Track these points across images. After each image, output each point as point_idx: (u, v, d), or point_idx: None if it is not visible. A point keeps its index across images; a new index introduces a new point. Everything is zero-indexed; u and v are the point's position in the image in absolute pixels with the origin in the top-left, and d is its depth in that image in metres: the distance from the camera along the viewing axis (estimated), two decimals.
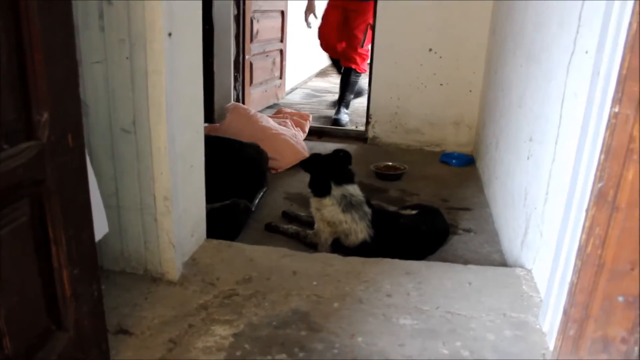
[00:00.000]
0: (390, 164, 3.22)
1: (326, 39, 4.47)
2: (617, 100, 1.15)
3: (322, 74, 7.10)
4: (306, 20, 4.72)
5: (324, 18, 4.47)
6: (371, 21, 4.13)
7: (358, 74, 4.57)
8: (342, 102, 4.57)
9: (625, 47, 1.14)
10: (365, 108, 3.90)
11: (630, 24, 1.12)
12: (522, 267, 1.89)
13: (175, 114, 1.58)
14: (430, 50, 3.60)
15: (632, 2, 1.13)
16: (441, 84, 3.64)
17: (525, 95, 2.21)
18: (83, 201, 1.13)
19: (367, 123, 3.85)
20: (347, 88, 4.56)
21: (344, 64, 4.56)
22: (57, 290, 1.07)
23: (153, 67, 1.48)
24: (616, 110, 1.15)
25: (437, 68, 3.61)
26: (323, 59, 4.64)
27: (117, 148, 1.58)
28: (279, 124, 3.61)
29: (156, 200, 1.61)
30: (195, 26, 1.69)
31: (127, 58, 1.49)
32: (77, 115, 1.07)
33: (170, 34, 1.48)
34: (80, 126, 1.08)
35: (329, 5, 4.46)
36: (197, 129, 1.78)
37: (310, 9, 4.67)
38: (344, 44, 4.45)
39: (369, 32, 4.21)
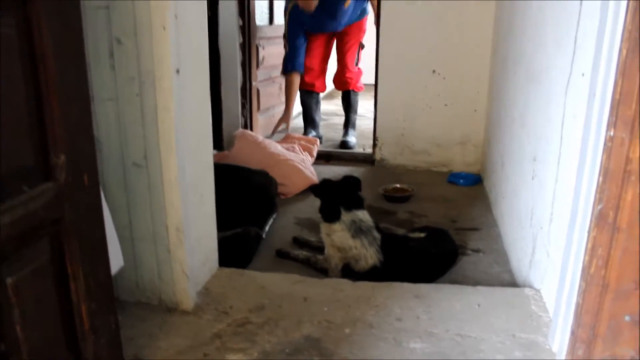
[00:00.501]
0: (398, 186, 3.26)
1: (311, 74, 4.36)
2: (612, 123, 1.18)
3: (328, 96, 7.17)
4: (275, 129, 4.41)
5: (306, 53, 4.26)
6: (362, 38, 4.32)
7: (357, 92, 4.59)
8: (348, 124, 4.61)
9: (617, 72, 1.17)
10: (372, 130, 3.95)
11: (620, 49, 1.15)
12: (530, 286, 1.91)
13: (185, 147, 1.63)
14: (433, 71, 3.65)
15: (622, 27, 1.17)
16: (446, 105, 3.68)
17: (527, 115, 2.25)
18: (99, 237, 1.17)
19: (374, 145, 3.90)
20: (350, 109, 4.59)
21: (340, 89, 4.59)
22: (77, 324, 1.11)
23: (162, 103, 1.53)
24: (611, 133, 1.19)
25: (441, 89, 3.66)
26: (329, 83, 4.65)
27: (130, 181, 1.63)
28: (287, 149, 3.66)
29: (169, 231, 1.65)
30: (202, 61, 1.74)
31: (137, 95, 1.54)
32: (92, 154, 1.12)
33: (178, 71, 1.54)
34: (94, 165, 1.13)
35: (312, 38, 4.26)
36: (206, 159, 1.83)
37: (286, 119, 4.32)
38: (336, 71, 4.49)
39: (360, 50, 4.36)
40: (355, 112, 4.64)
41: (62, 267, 1.06)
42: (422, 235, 2.33)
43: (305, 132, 4.54)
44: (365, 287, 1.88)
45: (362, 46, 4.37)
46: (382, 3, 3.63)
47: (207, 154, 1.84)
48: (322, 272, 2.23)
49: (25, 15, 0.91)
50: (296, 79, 4.16)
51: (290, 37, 4.06)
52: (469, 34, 3.52)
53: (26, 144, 0.94)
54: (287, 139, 4.07)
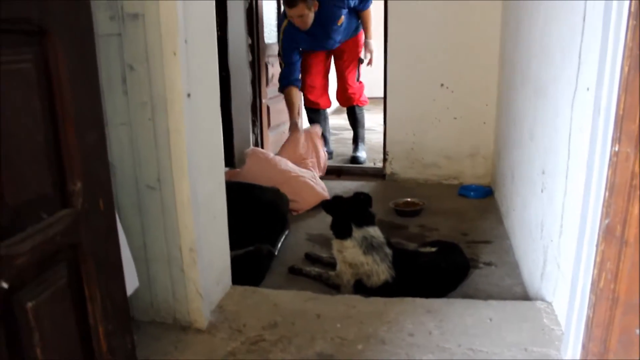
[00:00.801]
0: (409, 200, 3.27)
1: (314, 93, 4.38)
2: (617, 139, 1.20)
3: (338, 111, 7.21)
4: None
5: (306, 71, 4.27)
6: (360, 53, 4.33)
7: (362, 107, 4.58)
8: (357, 139, 4.63)
9: (619, 87, 1.19)
10: (382, 144, 3.97)
11: (622, 66, 1.17)
12: (542, 299, 1.91)
13: (197, 168, 1.66)
14: (442, 85, 3.68)
15: (623, 44, 1.18)
16: (455, 118, 3.70)
17: (535, 128, 2.26)
18: (115, 260, 1.20)
19: (385, 160, 3.92)
20: (358, 124, 4.60)
21: (344, 105, 4.60)
22: (94, 346, 1.13)
23: (174, 127, 1.57)
24: (616, 149, 1.20)
25: (450, 102, 3.68)
26: (332, 98, 4.67)
27: (144, 203, 1.67)
28: (299, 164, 3.69)
29: (182, 252, 1.68)
30: (213, 84, 1.79)
31: (149, 119, 1.58)
32: (107, 180, 1.15)
33: (189, 95, 1.57)
34: (109, 190, 1.16)
35: (310, 56, 4.25)
36: (218, 180, 1.86)
37: (294, 130, 4.12)
38: (337, 89, 4.49)
39: (359, 65, 4.37)
40: (363, 126, 4.66)
41: (79, 290, 1.09)
42: (433, 249, 2.34)
43: None
44: (377, 302, 1.90)
45: (361, 61, 4.37)
46: (389, 18, 3.67)
47: (219, 175, 1.87)
48: (335, 288, 2.25)
49: (42, 49, 0.95)
50: (294, 92, 4.12)
51: (285, 54, 4.05)
52: (476, 48, 3.55)
53: (44, 172, 0.98)
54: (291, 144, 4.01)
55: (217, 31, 3.95)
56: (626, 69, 1.15)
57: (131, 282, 1.43)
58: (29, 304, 0.94)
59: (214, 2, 1.73)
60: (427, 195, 3.44)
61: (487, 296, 2.11)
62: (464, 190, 3.54)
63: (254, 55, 4.14)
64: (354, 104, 4.50)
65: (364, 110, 4.67)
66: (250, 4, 4.04)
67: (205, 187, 1.75)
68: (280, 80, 4.18)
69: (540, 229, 2.05)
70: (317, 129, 4.15)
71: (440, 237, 2.74)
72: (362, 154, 4.53)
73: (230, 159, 4.14)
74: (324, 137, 4.52)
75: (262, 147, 4.31)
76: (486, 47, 3.51)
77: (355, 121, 4.59)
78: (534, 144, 2.27)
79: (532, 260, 2.17)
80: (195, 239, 1.67)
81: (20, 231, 0.92)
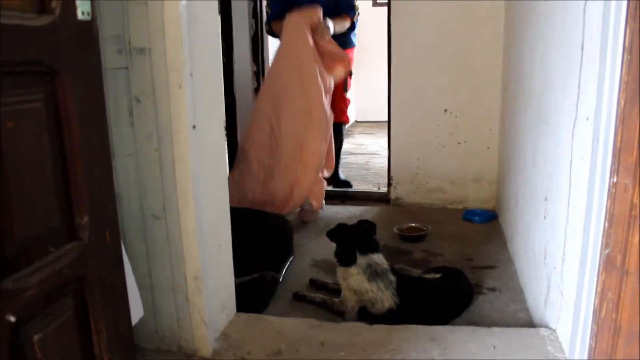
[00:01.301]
0: (413, 225, 3.28)
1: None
2: (615, 170, 1.22)
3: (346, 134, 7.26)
4: None
5: None
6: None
7: (344, 124, 4.31)
8: (339, 160, 4.32)
9: (616, 120, 1.21)
10: (387, 169, 3.99)
11: (619, 99, 1.19)
12: (547, 326, 1.91)
13: (202, 198, 1.69)
14: (445, 110, 3.71)
15: (619, 77, 1.21)
16: (459, 143, 3.72)
17: (537, 154, 2.28)
18: (121, 291, 1.22)
19: (389, 184, 3.94)
20: (341, 144, 4.32)
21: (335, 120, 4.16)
22: None
23: (180, 157, 1.60)
24: (614, 180, 1.22)
25: (454, 127, 3.71)
26: None
27: (149, 232, 1.69)
28: None
29: (187, 280, 1.70)
30: (218, 116, 1.82)
31: (155, 150, 1.62)
32: (113, 213, 1.18)
33: (194, 126, 1.61)
34: (116, 222, 1.19)
35: None
36: (223, 209, 1.89)
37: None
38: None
39: (348, 78, 4.06)
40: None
41: (85, 321, 1.11)
42: (438, 276, 2.34)
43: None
44: (381, 330, 1.90)
45: (350, 74, 4.07)
46: (392, 44, 3.72)
47: (224, 205, 1.90)
48: (339, 314, 2.25)
49: (52, 89, 0.98)
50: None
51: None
52: (478, 74, 3.58)
53: (52, 207, 1.00)
54: None
55: (223, 57, 4.02)
56: (622, 102, 1.17)
57: (136, 311, 1.44)
58: (36, 337, 0.96)
59: (219, 35, 1.77)
60: (432, 220, 3.45)
61: (492, 322, 2.11)
62: (469, 215, 3.54)
63: (259, 82, 4.19)
64: (343, 119, 4.16)
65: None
66: (256, 32, 4.10)
67: (211, 217, 1.77)
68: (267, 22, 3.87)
69: (544, 256, 2.05)
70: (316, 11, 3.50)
71: (445, 263, 2.74)
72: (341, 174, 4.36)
73: None
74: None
75: None
76: (489, 73, 3.55)
77: (340, 140, 4.23)
78: (537, 170, 2.28)
79: (536, 287, 2.17)
80: (200, 267, 1.69)
81: (28, 264, 0.95)
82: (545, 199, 2.07)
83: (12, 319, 0.90)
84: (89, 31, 1.07)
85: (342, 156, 5.75)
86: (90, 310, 1.11)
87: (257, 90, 4.17)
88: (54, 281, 1.00)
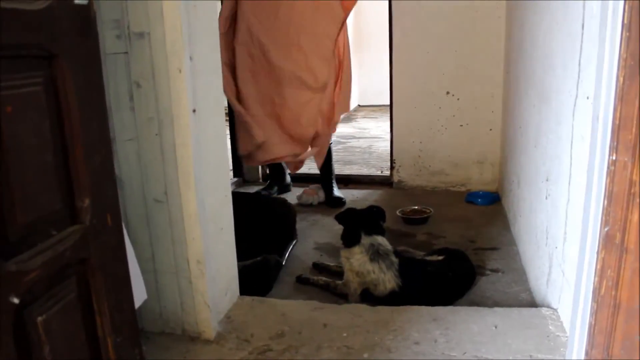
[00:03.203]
0: (416, 207, 3.28)
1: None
2: (614, 148, 1.21)
3: (346, 119, 7.25)
4: None
5: None
6: None
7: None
8: (332, 175, 3.77)
9: (615, 97, 1.21)
10: (389, 153, 3.99)
11: (617, 76, 1.19)
12: (548, 306, 1.92)
13: (204, 182, 1.70)
14: (447, 93, 3.70)
15: (618, 55, 1.20)
16: (461, 125, 3.72)
17: (539, 135, 2.27)
18: (123, 273, 1.23)
19: (392, 168, 3.94)
20: (331, 158, 3.72)
21: None
22: (103, 358, 1.17)
23: (180, 141, 1.61)
24: (614, 157, 1.21)
25: (456, 110, 3.70)
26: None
27: (152, 217, 1.70)
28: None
29: (190, 263, 1.71)
30: (218, 100, 1.82)
31: (156, 134, 1.62)
32: (114, 197, 1.19)
33: (194, 110, 1.61)
34: (117, 206, 1.20)
35: None
36: (224, 192, 1.89)
37: None
38: None
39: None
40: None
41: (88, 303, 1.12)
42: (440, 258, 2.35)
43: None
44: (383, 311, 1.91)
45: None
46: (394, 27, 3.70)
47: (225, 188, 1.90)
48: (342, 297, 2.27)
49: (51, 72, 0.99)
50: None
51: None
52: (480, 56, 3.57)
53: (53, 190, 1.01)
54: None
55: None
56: (621, 79, 1.17)
57: (139, 295, 1.46)
58: (40, 318, 0.97)
59: (218, 19, 1.76)
60: (435, 202, 3.45)
61: (494, 303, 2.12)
62: (472, 197, 3.55)
63: None
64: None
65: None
66: None
67: (212, 200, 1.78)
68: None
69: (546, 236, 2.05)
70: None
71: (448, 245, 2.75)
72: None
73: (239, 170, 4.17)
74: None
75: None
76: (491, 55, 3.53)
77: (330, 155, 3.66)
78: (539, 150, 2.28)
79: (538, 267, 2.18)
80: (202, 251, 1.70)
81: (31, 247, 0.96)
82: (547, 180, 2.07)
83: (16, 300, 0.91)
84: (86, 15, 1.06)
85: (344, 140, 5.75)
86: (93, 292, 1.13)
87: None
88: (57, 263, 1.01)
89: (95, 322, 1.15)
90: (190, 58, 1.58)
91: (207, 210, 1.73)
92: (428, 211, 3.22)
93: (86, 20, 1.06)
